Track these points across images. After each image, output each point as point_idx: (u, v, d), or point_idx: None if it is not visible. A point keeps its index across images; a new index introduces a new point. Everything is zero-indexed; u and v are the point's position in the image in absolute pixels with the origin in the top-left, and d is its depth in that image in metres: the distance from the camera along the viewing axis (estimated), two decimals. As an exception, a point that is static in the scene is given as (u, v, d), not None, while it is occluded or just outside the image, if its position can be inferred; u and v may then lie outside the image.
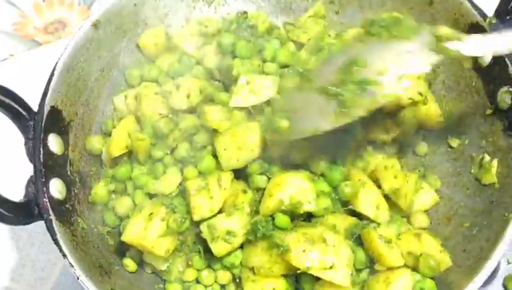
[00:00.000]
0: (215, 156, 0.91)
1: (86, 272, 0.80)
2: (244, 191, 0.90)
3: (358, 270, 0.88)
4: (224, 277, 0.91)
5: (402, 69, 0.80)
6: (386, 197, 0.93)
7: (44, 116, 0.86)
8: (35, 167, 0.84)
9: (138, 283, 0.91)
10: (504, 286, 0.92)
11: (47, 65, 0.95)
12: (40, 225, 0.88)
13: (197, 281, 0.93)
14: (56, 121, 0.89)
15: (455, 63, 1.00)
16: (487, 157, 0.94)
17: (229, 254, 0.88)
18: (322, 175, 0.92)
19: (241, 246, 0.88)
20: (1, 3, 1.38)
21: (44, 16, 1.37)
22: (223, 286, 0.93)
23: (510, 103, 0.91)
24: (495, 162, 0.92)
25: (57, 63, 0.91)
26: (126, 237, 0.86)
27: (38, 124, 0.86)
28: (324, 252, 0.81)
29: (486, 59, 0.92)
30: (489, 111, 0.95)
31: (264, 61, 1.00)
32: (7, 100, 0.83)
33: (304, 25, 1.10)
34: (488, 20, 0.92)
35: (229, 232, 0.85)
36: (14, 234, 1.12)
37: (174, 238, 0.88)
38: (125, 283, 0.89)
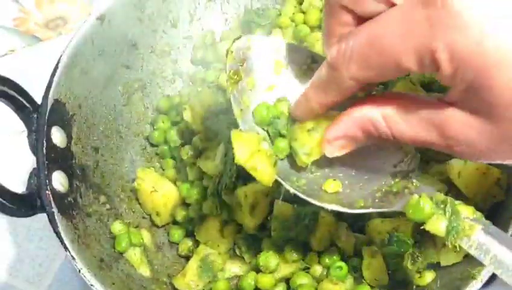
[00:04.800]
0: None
1: (87, 265, 0.80)
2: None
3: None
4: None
5: None
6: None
7: (48, 109, 0.86)
8: (38, 159, 0.83)
9: (139, 277, 0.91)
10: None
11: (47, 61, 0.95)
12: (39, 220, 0.88)
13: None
14: (59, 114, 0.89)
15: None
16: None
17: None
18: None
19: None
20: (3, -2, 1.38)
21: (45, 11, 1.37)
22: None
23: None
24: None
25: (61, 55, 0.91)
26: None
27: (42, 116, 0.85)
28: None
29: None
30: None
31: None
32: (11, 92, 0.83)
33: None
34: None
35: None
36: (12, 229, 1.11)
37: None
38: (126, 277, 0.88)
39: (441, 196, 0.66)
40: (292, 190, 0.71)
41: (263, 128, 0.74)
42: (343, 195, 0.72)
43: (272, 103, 0.74)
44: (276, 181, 0.71)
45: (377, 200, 0.71)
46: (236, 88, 0.74)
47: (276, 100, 0.75)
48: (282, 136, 0.73)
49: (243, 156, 0.69)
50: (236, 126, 0.73)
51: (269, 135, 0.74)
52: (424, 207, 0.64)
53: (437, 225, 0.64)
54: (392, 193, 0.70)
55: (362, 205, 0.70)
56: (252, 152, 0.70)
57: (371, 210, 0.70)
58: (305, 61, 0.76)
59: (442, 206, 0.64)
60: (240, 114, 0.74)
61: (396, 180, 0.71)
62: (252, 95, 0.75)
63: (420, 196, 0.65)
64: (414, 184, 0.70)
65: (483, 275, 0.78)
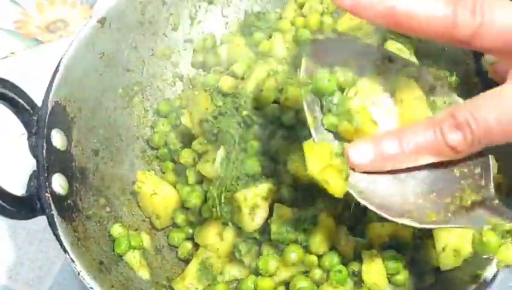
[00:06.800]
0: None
1: (86, 268, 0.80)
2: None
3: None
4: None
5: None
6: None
7: (48, 111, 0.86)
8: (38, 161, 0.83)
9: (139, 280, 0.90)
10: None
11: (48, 63, 0.95)
12: (38, 222, 0.88)
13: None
14: (60, 117, 0.89)
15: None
16: None
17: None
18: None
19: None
20: (4, 1, 1.38)
21: (46, 14, 1.37)
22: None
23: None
24: None
25: (61, 58, 0.91)
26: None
27: (42, 119, 0.85)
28: None
29: (489, 60, 0.93)
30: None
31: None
32: (11, 94, 0.83)
33: None
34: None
35: None
36: (12, 232, 1.11)
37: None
38: (126, 280, 0.88)
39: (506, 226, 0.65)
40: (363, 203, 0.70)
41: (320, 99, 0.73)
42: (415, 206, 0.70)
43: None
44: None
45: (449, 215, 0.69)
46: (309, 93, 0.72)
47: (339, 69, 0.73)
48: (331, 112, 0.72)
49: (315, 168, 0.68)
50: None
51: (321, 108, 0.73)
52: (489, 242, 0.64)
53: (507, 255, 0.64)
54: (464, 208, 0.69)
55: (434, 219, 0.69)
56: (324, 166, 0.68)
57: (442, 226, 0.70)
58: (381, 61, 0.75)
59: (508, 236, 0.65)
60: (313, 122, 0.71)
61: (468, 191, 0.70)
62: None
63: (481, 233, 0.65)
64: (486, 197, 0.70)
65: (483, 279, 0.78)
